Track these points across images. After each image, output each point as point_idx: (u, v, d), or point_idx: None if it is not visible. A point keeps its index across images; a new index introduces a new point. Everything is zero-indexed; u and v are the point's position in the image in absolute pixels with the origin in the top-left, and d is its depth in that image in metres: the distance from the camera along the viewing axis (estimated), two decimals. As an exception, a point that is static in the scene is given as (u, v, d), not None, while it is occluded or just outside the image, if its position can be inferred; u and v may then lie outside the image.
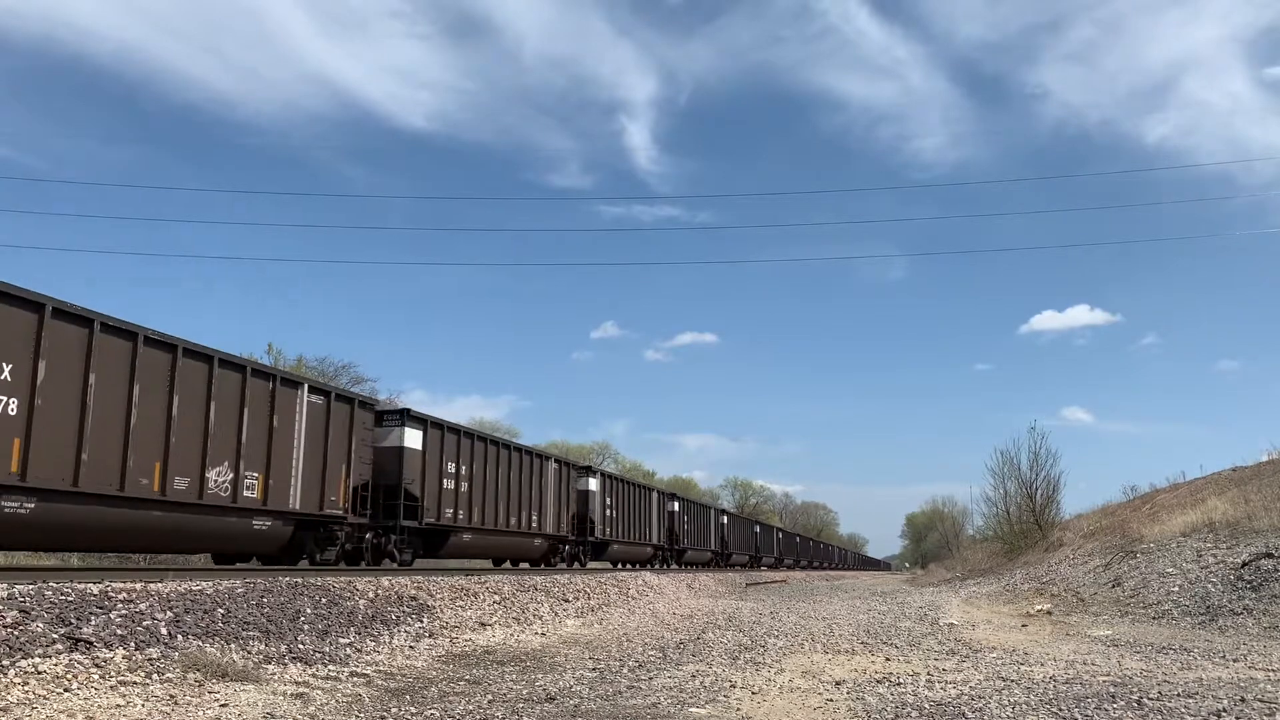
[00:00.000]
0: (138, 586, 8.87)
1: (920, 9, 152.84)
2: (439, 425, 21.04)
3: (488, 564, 26.18)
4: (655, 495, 38.71)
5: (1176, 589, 18.25)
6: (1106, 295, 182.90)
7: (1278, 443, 36.60)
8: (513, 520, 23.94)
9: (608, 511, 31.80)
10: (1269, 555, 17.32)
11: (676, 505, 41.48)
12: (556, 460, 28.19)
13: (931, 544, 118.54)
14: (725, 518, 51.68)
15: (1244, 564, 17.59)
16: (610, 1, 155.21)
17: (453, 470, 21.12)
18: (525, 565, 26.72)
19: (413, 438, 19.65)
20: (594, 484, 30.75)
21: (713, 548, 47.33)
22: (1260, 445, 61.32)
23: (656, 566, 37.04)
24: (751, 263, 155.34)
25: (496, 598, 14.62)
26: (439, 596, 13.18)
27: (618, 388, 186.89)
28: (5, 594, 7.58)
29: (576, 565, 29.03)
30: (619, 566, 33.68)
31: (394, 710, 6.96)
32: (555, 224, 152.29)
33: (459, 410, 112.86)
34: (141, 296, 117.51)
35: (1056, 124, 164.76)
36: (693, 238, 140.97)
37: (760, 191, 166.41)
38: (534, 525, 25.26)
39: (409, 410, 20.11)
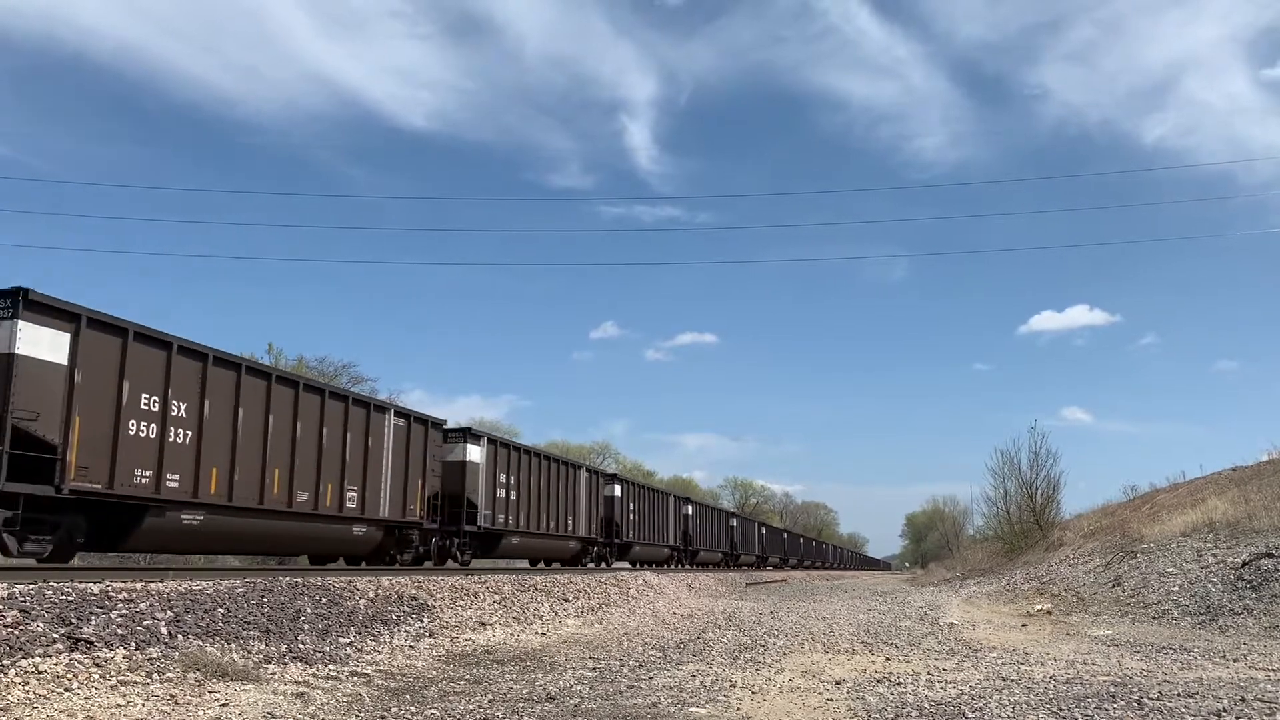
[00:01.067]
0: (138, 586, 8.88)
1: (920, 9, 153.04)
2: (118, 328, 12.21)
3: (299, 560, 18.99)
4: (585, 474, 29.46)
5: (1176, 589, 18.25)
6: (1106, 295, 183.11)
7: (1277, 443, 36.50)
8: (302, 495, 15.76)
9: (502, 493, 22.74)
10: (1269, 555, 17.32)
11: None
12: (399, 412, 19.49)
13: (932, 544, 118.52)
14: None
15: (1244, 564, 17.59)
16: (611, 1, 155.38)
17: (154, 407, 12.76)
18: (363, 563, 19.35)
19: (44, 342, 11.07)
20: (474, 452, 21.83)
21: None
22: (1260, 445, 61.39)
23: (589, 563, 29.93)
24: (752, 263, 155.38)
25: (497, 597, 14.63)
26: (439, 596, 13.19)
27: (618, 388, 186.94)
28: (5, 594, 7.59)
29: (451, 564, 21.61)
30: (540, 565, 27.31)
31: (394, 710, 6.96)
32: (556, 224, 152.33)
33: (459, 410, 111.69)
34: (142, 296, 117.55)
35: (1056, 124, 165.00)
36: (693, 238, 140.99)
37: (761, 192, 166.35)
38: (351, 504, 17.35)
39: (30, 292, 10.87)
